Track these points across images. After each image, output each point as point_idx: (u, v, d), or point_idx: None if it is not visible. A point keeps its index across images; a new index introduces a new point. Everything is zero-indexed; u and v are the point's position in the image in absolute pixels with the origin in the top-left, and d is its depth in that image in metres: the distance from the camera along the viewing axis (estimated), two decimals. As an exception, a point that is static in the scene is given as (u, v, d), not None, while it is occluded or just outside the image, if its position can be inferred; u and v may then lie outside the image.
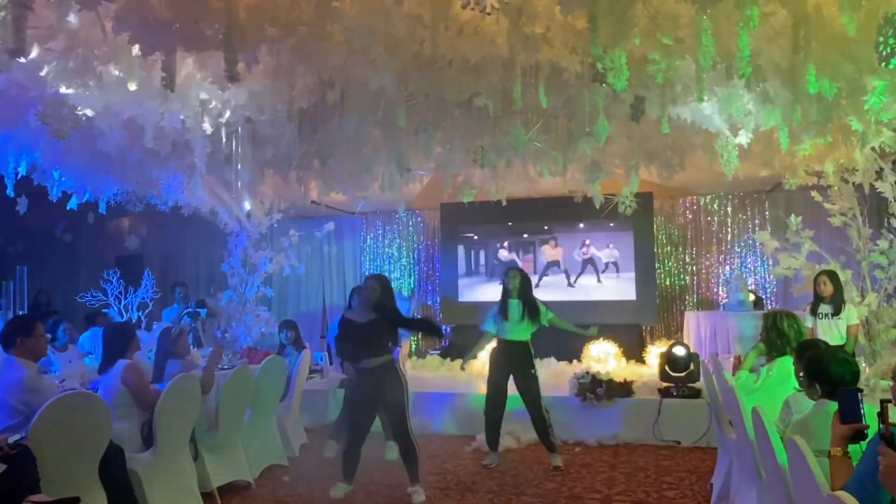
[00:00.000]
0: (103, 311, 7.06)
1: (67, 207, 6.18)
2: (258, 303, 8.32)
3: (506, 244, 9.45)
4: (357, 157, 4.66)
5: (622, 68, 3.07)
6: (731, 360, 5.01)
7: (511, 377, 5.47)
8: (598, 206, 6.25)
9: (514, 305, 5.42)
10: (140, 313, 7.19)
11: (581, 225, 9.07)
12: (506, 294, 5.49)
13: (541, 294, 6.54)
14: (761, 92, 3.58)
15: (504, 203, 6.61)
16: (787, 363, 4.06)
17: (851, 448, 2.14)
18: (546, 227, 9.25)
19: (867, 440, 2.09)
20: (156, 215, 7.22)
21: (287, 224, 8.68)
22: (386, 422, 5.21)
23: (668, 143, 5.25)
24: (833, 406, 2.30)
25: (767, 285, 9.19)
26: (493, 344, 5.70)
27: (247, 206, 6.61)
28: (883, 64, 2.54)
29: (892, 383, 2.17)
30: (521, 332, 5.43)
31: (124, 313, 7.08)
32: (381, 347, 4.61)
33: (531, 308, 5.40)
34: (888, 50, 2.44)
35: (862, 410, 2.15)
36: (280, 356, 5.86)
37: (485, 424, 5.51)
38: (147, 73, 3.61)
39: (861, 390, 2.49)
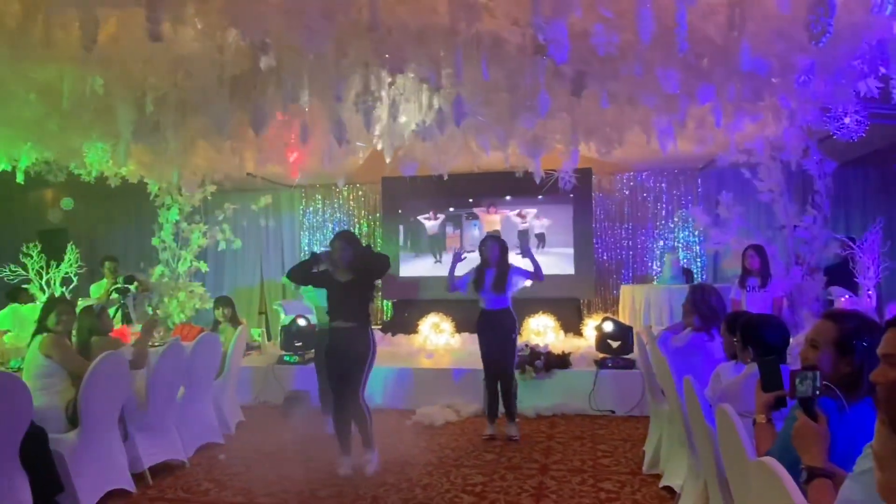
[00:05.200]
0: (23, 286, 6.69)
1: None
2: (192, 278, 8.07)
3: (430, 213, 9.37)
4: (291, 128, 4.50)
5: (563, 40, 3.04)
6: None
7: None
8: (538, 182, 6.29)
9: (492, 275, 5.37)
10: (64, 289, 6.85)
11: (521, 200, 9.10)
12: (484, 264, 5.44)
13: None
14: (696, 69, 3.63)
15: (446, 178, 6.56)
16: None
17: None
18: (487, 203, 9.25)
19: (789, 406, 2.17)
20: (80, 186, 6.84)
21: (221, 197, 8.40)
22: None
23: (608, 119, 5.29)
24: None
25: (699, 259, 9.50)
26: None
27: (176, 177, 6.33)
28: (814, 42, 2.60)
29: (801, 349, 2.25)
30: (500, 300, 5.38)
31: (46, 289, 6.73)
32: (356, 309, 4.58)
33: (503, 278, 5.34)
34: (819, 28, 2.49)
35: (782, 378, 2.23)
36: (214, 332, 5.71)
37: (485, 396, 5.52)
38: (66, 34, 3.39)
39: (781, 358, 2.59)
